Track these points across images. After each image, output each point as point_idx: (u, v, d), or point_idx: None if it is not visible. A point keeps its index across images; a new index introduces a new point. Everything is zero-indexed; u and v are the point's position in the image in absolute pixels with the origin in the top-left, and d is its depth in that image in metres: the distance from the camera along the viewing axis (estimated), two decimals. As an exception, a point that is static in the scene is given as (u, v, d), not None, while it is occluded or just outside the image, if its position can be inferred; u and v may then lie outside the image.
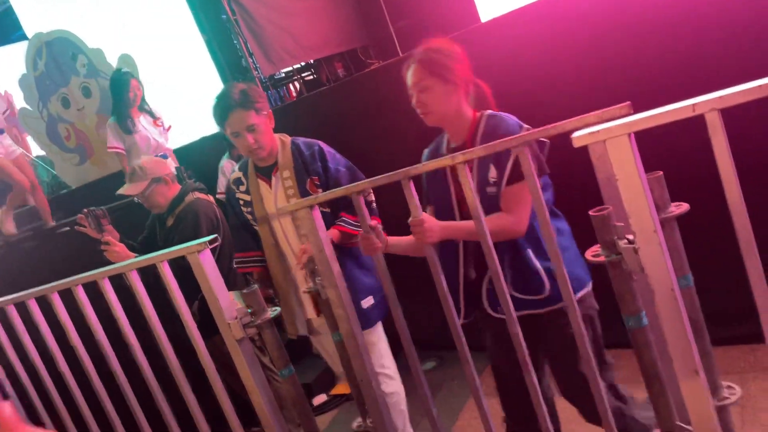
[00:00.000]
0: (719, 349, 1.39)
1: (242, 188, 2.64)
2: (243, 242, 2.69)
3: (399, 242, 1.93)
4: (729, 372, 2.71)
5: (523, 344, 1.60)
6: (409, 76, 2.00)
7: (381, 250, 1.80)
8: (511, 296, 1.83)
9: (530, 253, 1.92)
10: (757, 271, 1.16)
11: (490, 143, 1.48)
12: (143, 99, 4.34)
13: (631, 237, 1.19)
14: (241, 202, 2.63)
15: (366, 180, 1.65)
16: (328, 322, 1.84)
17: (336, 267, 1.75)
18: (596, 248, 1.28)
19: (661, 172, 1.20)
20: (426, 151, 2.16)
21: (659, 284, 1.15)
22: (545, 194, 1.94)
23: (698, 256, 1.45)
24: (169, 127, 4.48)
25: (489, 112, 1.97)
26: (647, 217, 1.11)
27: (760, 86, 1.02)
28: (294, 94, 6.50)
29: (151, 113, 4.36)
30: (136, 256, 2.71)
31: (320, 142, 2.59)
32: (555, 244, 1.42)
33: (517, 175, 1.83)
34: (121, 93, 4.24)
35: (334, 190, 1.76)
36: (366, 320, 2.50)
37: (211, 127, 4.23)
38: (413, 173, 1.58)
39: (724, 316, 1.97)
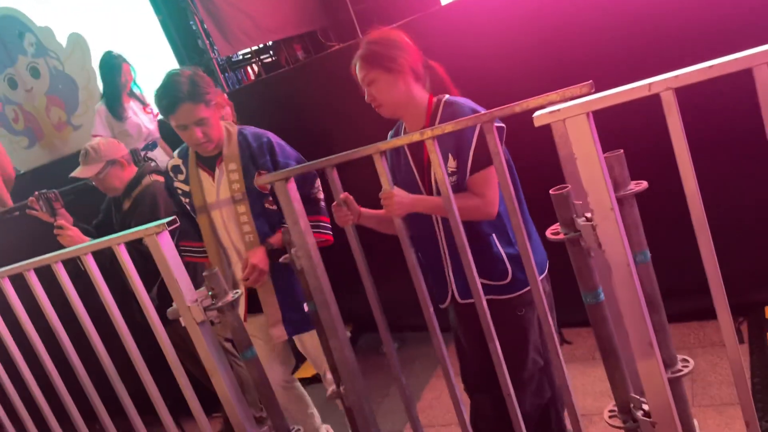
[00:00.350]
0: (670, 325, 1.43)
1: (181, 177, 2.52)
2: (188, 231, 2.59)
3: (371, 214, 1.95)
4: (679, 347, 2.81)
5: (490, 322, 1.65)
6: (357, 73, 2.00)
7: (353, 221, 1.84)
8: (489, 283, 1.88)
9: (494, 239, 1.95)
10: (708, 249, 1.20)
11: (458, 120, 1.51)
12: (134, 83, 4.15)
13: (589, 215, 1.22)
14: (180, 191, 2.53)
15: (339, 154, 1.65)
16: (304, 291, 1.89)
17: (311, 239, 1.78)
18: (556, 227, 1.31)
19: (622, 151, 1.23)
20: (389, 135, 2.16)
21: (616, 260, 1.17)
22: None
23: (653, 233, 1.49)
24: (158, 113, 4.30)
25: (447, 98, 1.97)
26: (604, 194, 1.13)
27: (710, 66, 1.05)
28: (252, 77, 6.40)
29: (140, 99, 4.17)
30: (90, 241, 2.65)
31: (269, 134, 2.46)
32: (520, 219, 1.47)
33: (481, 162, 1.85)
34: (112, 77, 4.01)
35: (307, 163, 1.76)
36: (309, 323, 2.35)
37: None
38: (383, 148, 1.62)
39: (674, 293, 2.03)
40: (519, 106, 1.34)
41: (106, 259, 1.97)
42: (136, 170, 2.96)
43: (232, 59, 6.11)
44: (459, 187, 1.90)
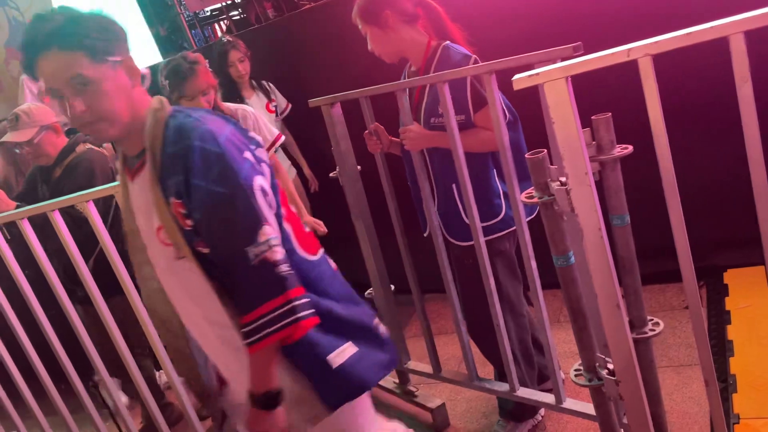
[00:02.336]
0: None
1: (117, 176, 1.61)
2: None
3: (398, 143, 2.16)
4: (641, 311, 2.91)
5: (489, 270, 1.94)
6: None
7: (384, 150, 2.18)
8: (468, 224, 1.95)
9: (494, 173, 2.08)
10: (677, 213, 1.23)
11: (460, 68, 1.81)
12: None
13: (563, 179, 1.24)
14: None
15: (370, 87, 1.97)
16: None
17: (351, 159, 2.33)
18: (530, 190, 1.33)
19: (609, 114, 1.24)
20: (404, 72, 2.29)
21: (588, 224, 1.20)
22: (513, 133, 2.04)
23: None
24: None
25: (446, 43, 2.05)
26: (580, 159, 1.15)
27: (688, 34, 1.06)
28: (219, 35, 6.24)
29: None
30: (18, 205, 2.52)
31: (200, 133, 1.31)
32: (511, 166, 1.65)
33: (481, 101, 1.93)
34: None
35: (343, 93, 2.11)
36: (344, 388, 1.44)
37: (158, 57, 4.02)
38: (404, 86, 1.94)
39: (637, 257, 2.10)
40: (518, 60, 1.48)
41: (36, 227, 1.90)
42: (68, 139, 2.81)
43: (200, 15, 5.94)
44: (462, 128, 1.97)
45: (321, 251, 1.50)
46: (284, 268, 1.31)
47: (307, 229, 1.52)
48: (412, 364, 2.58)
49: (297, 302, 1.30)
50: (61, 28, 1.29)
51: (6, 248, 1.86)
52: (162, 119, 1.35)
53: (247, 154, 1.34)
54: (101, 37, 1.32)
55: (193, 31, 5.66)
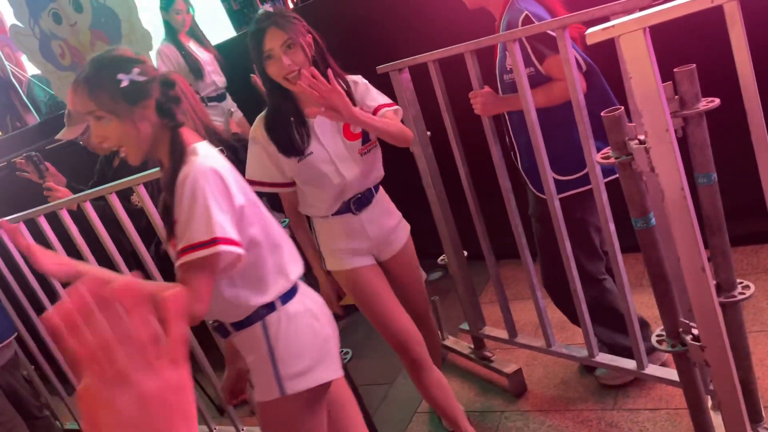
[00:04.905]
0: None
1: None
2: None
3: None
4: (731, 274, 2.76)
5: (562, 222, 1.91)
6: None
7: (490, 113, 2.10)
8: (555, 176, 1.95)
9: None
10: (768, 169, 1.15)
11: (531, 25, 1.76)
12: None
13: (642, 137, 1.18)
14: None
15: (436, 51, 1.98)
16: None
17: (421, 125, 2.01)
18: (606, 150, 1.27)
19: (694, 66, 1.16)
20: None
21: (669, 184, 1.14)
22: (595, 80, 1.98)
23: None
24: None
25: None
26: (660, 115, 1.09)
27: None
28: (290, 5, 6.28)
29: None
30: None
31: None
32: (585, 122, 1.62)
33: (543, 52, 1.89)
34: None
35: (412, 57, 2.04)
36: None
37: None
38: (472, 48, 1.88)
39: (728, 216, 1.99)
40: (586, 15, 1.42)
41: (106, 219, 1.99)
42: None
43: (271, -14, 5.98)
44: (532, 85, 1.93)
45: None
46: None
47: None
48: (487, 330, 2.57)
49: None
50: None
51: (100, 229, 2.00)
52: None
53: None
54: None
55: (264, 3, 5.71)
